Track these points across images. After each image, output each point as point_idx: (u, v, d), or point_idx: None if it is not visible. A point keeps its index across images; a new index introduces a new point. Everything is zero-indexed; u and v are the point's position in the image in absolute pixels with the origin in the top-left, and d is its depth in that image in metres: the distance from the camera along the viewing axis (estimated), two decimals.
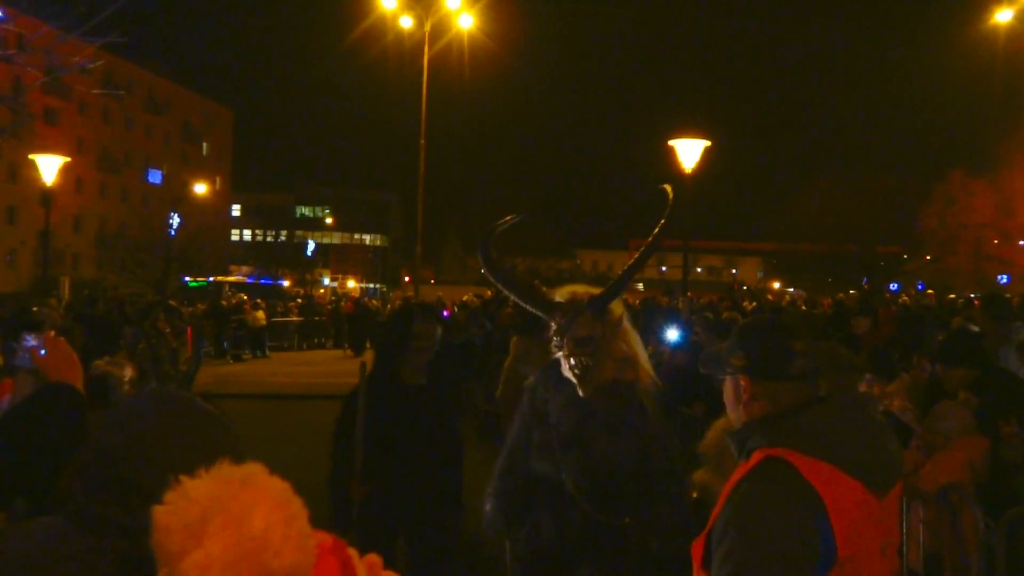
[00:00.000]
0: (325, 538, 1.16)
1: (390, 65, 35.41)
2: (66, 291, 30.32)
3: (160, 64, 64.42)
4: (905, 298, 22.74)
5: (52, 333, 2.55)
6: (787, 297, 36.09)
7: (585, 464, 3.04)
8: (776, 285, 57.30)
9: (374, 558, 1.27)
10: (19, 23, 9.00)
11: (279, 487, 1.12)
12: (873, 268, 42.54)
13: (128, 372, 5.48)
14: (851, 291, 35.24)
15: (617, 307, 3.24)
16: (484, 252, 3.63)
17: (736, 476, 1.94)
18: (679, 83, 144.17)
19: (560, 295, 3.32)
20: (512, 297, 3.54)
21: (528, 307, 3.35)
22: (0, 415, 2.96)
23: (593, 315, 3.15)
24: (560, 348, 3.20)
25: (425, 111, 28.42)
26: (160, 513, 1.04)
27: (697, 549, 1.96)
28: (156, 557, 1.04)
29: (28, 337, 2.72)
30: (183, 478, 1.07)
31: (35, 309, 13.78)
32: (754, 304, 22.37)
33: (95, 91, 9.09)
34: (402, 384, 4.16)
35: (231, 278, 43.91)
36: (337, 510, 4.07)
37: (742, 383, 2.09)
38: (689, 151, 15.72)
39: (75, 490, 2.34)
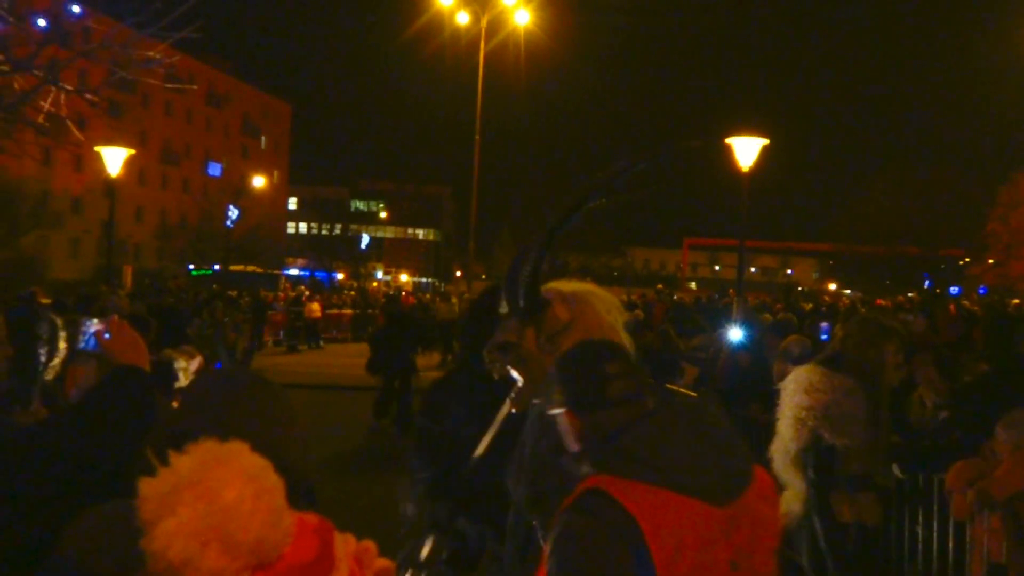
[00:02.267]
0: (311, 518, 1.19)
1: (446, 61, 35.57)
2: (128, 280, 31.02)
3: (220, 59, 65.59)
4: (966, 302, 22.23)
5: (116, 317, 2.58)
6: (844, 299, 35.54)
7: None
8: (832, 287, 56.42)
9: (369, 544, 1.29)
10: (94, 19, 9.28)
11: (256, 463, 1.17)
12: (934, 271, 41.65)
13: (196, 361, 5.61)
14: (910, 294, 34.54)
15: (563, 312, 2.76)
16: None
17: (559, 509, 1.91)
18: (737, 79, 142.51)
19: (589, 294, 2.93)
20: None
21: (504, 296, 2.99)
22: (76, 399, 3.00)
23: (519, 320, 2.78)
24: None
25: (480, 107, 28.52)
26: (142, 484, 1.10)
27: None
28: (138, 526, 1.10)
29: (89, 322, 2.75)
30: (171, 453, 1.11)
31: (104, 287, 14.16)
32: (810, 305, 22.08)
33: (168, 85, 9.29)
34: (491, 381, 3.41)
35: (235, 268, 43.23)
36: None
37: (568, 417, 2.02)
38: (747, 149, 15.54)
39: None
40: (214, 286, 27.43)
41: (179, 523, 1.06)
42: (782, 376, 6.48)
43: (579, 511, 1.85)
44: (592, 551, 1.79)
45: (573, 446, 2.03)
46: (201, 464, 1.12)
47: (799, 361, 5.47)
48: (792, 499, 4.32)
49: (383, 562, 1.28)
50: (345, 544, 1.22)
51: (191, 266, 43.13)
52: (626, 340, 2.76)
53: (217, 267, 42.22)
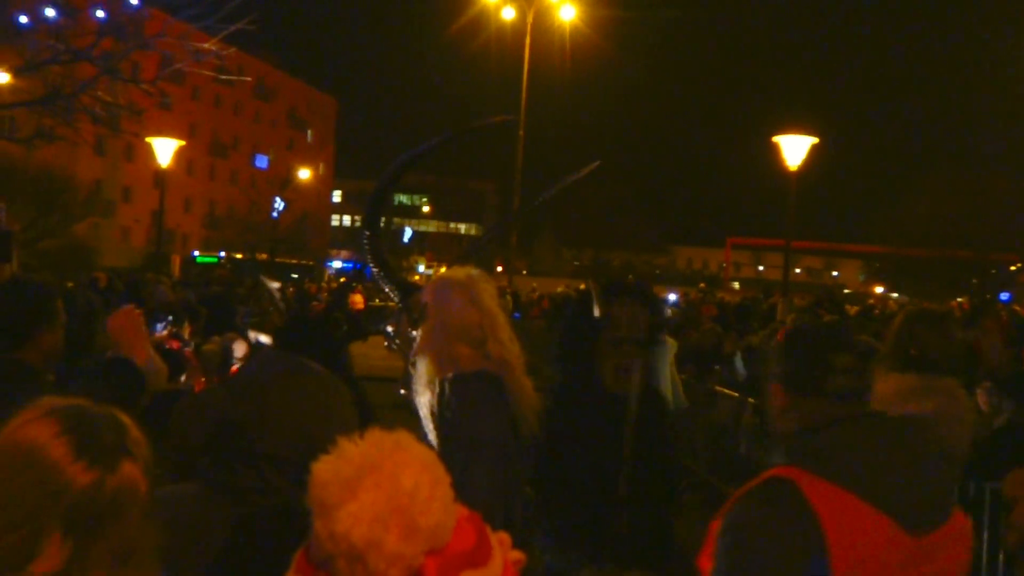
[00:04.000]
0: (461, 508, 1.22)
1: (491, 56, 35.58)
2: (176, 269, 31.53)
3: (268, 52, 66.31)
4: (1017, 307, 21.75)
5: (131, 307, 2.55)
6: (891, 303, 34.97)
7: None
8: (879, 289, 55.54)
9: (504, 536, 1.32)
10: (150, 11, 9.48)
11: (427, 452, 1.20)
12: (984, 276, 40.81)
13: (243, 349, 5.73)
14: (959, 299, 33.91)
15: (425, 297, 2.78)
16: (371, 207, 3.10)
17: (739, 491, 1.81)
18: (786, 77, 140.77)
19: (455, 276, 2.89)
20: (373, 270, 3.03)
21: (383, 286, 2.95)
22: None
23: (408, 312, 2.82)
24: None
25: (525, 102, 28.51)
26: (319, 470, 1.12)
27: (704, 563, 1.83)
28: (312, 510, 1.13)
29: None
30: (340, 440, 1.15)
31: (149, 276, 14.40)
32: (857, 308, 21.76)
33: (222, 76, 9.45)
34: (604, 394, 3.00)
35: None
36: None
37: (778, 392, 1.94)
38: (795, 148, 15.36)
39: (204, 464, 2.45)
40: (260, 276, 27.77)
41: (361, 507, 1.09)
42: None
43: (761, 500, 1.74)
44: (768, 545, 1.67)
45: (775, 424, 1.95)
46: (379, 450, 1.15)
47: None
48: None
49: (517, 553, 1.31)
50: (493, 533, 1.26)
51: (196, 252, 43.19)
52: (500, 326, 2.83)
53: (223, 254, 42.32)
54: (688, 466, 8.89)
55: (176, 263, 33.39)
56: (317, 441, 1.80)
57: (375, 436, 1.17)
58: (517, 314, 27.40)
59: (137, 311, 2.32)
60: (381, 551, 1.09)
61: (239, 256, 41.17)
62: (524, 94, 28.64)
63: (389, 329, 2.84)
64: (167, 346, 5.29)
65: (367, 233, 2.93)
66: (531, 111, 29.66)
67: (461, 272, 2.86)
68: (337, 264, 63.24)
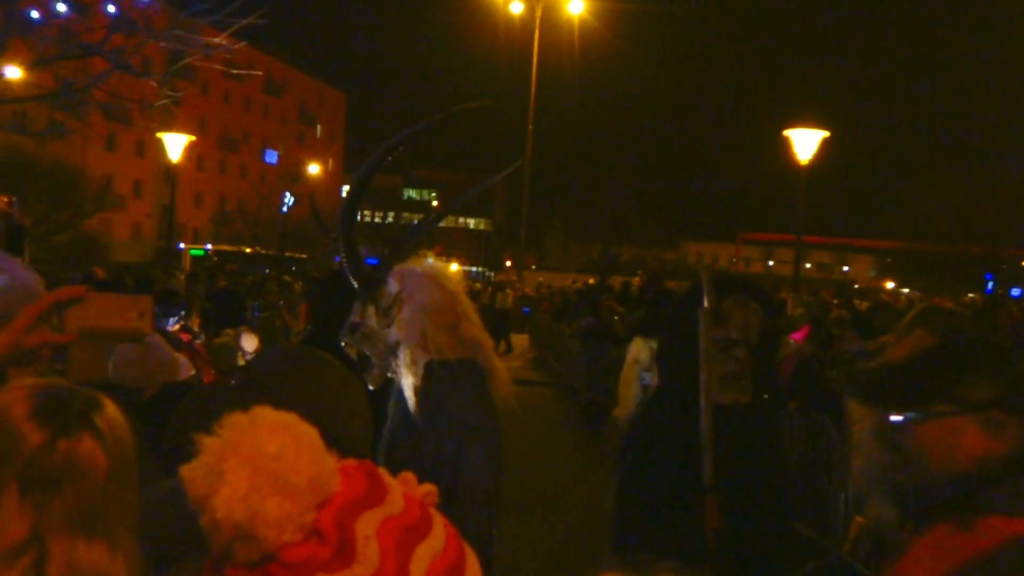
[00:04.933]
0: (349, 461, 1.24)
1: (501, 49, 35.57)
2: (187, 263, 31.66)
3: (278, 48, 66.40)
4: None
5: (84, 288, 2.49)
6: (902, 298, 34.85)
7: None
8: (890, 285, 55.32)
9: (408, 475, 1.33)
10: (160, 6, 9.52)
11: (284, 416, 1.21)
12: (995, 271, 40.60)
13: (253, 343, 5.75)
14: (970, 295, 33.75)
15: (394, 286, 2.77)
16: (352, 199, 3.00)
17: (962, 553, 1.38)
18: (797, 70, 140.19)
19: (419, 265, 2.89)
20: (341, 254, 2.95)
21: (348, 274, 2.90)
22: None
23: (360, 299, 2.80)
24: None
25: (534, 96, 28.50)
26: (185, 470, 1.13)
27: None
28: (195, 511, 1.14)
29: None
30: (198, 436, 1.16)
31: (160, 271, 14.49)
32: (866, 304, 21.70)
33: (233, 71, 9.50)
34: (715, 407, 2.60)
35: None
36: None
37: (969, 425, 1.47)
38: (805, 142, 15.30)
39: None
40: (267, 270, 27.85)
41: (233, 488, 1.10)
42: None
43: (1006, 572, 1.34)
44: None
45: (955, 464, 1.47)
46: (235, 431, 1.16)
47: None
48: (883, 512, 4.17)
49: (427, 486, 1.32)
50: (389, 475, 1.27)
51: (180, 245, 42.68)
52: (469, 308, 2.84)
53: (210, 247, 41.95)
54: None
55: (187, 257, 33.51)
56: (333, 433, 1.80)
57: (230, 420, 1.18)
58: (527, 309, 27.43)
59: (82, 289, 2.20)
60: (266, 520, 1.09)
61: (227, 248, 40.97)
62: (533, 88, 28.65)
63: (355, 320, 2.80)
64: (179, 338, 5.31)
65: (343, 221, 2.91)
66: (540, 105, 29.68)
67: (421, 260, 2.93)
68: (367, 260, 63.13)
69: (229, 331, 5.81)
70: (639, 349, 6.65)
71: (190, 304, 8.26)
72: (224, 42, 8.68)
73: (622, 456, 2.82)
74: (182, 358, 3.58)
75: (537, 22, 28.73)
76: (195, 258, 36.84)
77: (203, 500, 1.11)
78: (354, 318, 2.79)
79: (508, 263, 54.38)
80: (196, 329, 6.40)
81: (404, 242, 3.03)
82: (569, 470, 9.44)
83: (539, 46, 28.80)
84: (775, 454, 2.83)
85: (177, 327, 5.55)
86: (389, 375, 2.79)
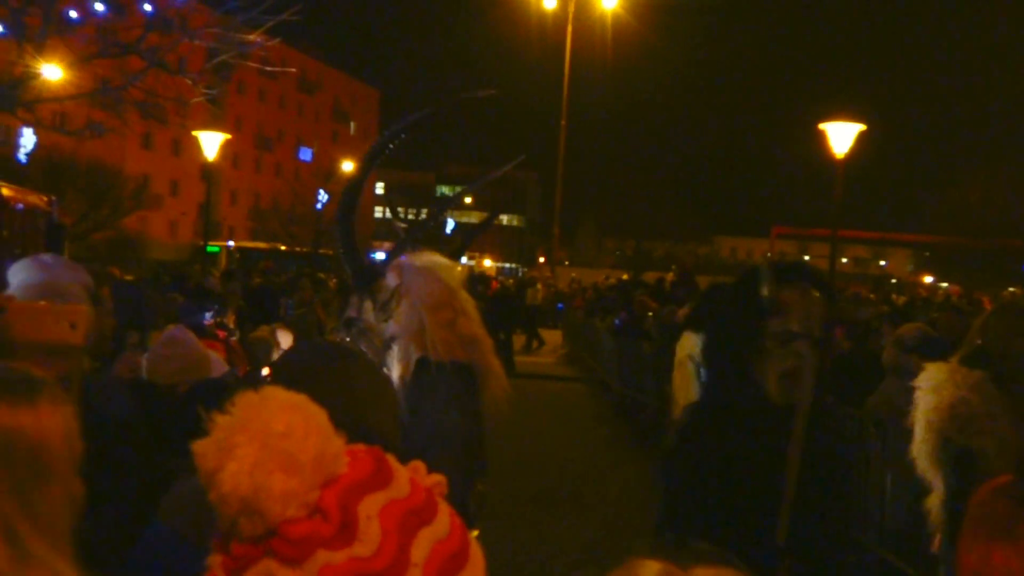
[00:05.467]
0: (360, 445, 1.27)
1: (533, 44, 35.54)
2: (223, 261, 32.00)
3: (311, 45, 66.84)
4: None
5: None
6: (940, 293, 34.35)
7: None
8: (928, 279, 54.53)
9: (418, 463, 1.35)
10: (196, 5, 9.64)
11: (294, 396, 1.23)
12: None
13: (288, 339, 5.79)
14: (1011, 288, 33.18)
15: (392, 281, 2.76)
16: (350, 191, 2.93)
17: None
18: (834, 62, 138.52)
19: (419, 260, 2.85)
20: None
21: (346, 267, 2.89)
22: None
23: (357, 293, 2.78)
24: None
25: (567, 92, 28.41)
26: (197, 444, 1.16)
27: None
28: (203, 485, 1.16)
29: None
30: (212, 414, 1.18)
31: (197, 268, 14.66)
32: (904, 299, 21.42)
33: (267, 68, 9.59)
34: (763, 407, 2.33)
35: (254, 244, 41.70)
36: None
37: None
38: (842, 135, 15.10)
39: None
40: (304, 268, 28.11)
41: (240, 463, 1.12)
42: (893, 364, 6.28)
43: None
44: None
45: None
46: (246, 408, 1.18)
47: (916, 351, 5.24)
48: (934, 503, 4.07)
49: (435, 476, 1.34)
50: (395, 461, 1.29)
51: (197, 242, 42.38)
52: (469, 304, 2.80)
53: (231, 243, 41.86)
54: None
55: (223, 255, 33.84)
56: (364, 426, 1.80)
57: (242, 398, 1.20)
58: (560, 304, 27.40)
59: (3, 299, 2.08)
60: (271, 494, 1.11)
61: (249, 245, 41.07)
62: (566, 83, 28.56)
63: (352, 315, 2.79)
64: (216, 334, 5.36)
65: (340, 214, 2.88)
66: (574, 100, 29.60)
67: (422, 255, 2.89)
68: (380, 256, 63.55)
69: (264, 327, 5.85)
70: (692, 345, 6.34)
71: (225, 301, 8.33)
72: (258, 39, 8.75)
73: (667, 468, 2.54)
74: (214, 355, 3.61)
75: (570, 16, 28.65)
76: (213, 255, 36.32)
77: (211, 474, 1.13)
78: (351, 312, 2.77)
79: (541, 259, 54.32)
80: (232, 326, 6.46)
81: (407, 238, 2.98)
82: (602, 465, 9.42)
83: (572, 41, 28.73)
84: (839, 462, 2.54)
85: (212, 322, 5.60)
86: (384, 370, 2.76)
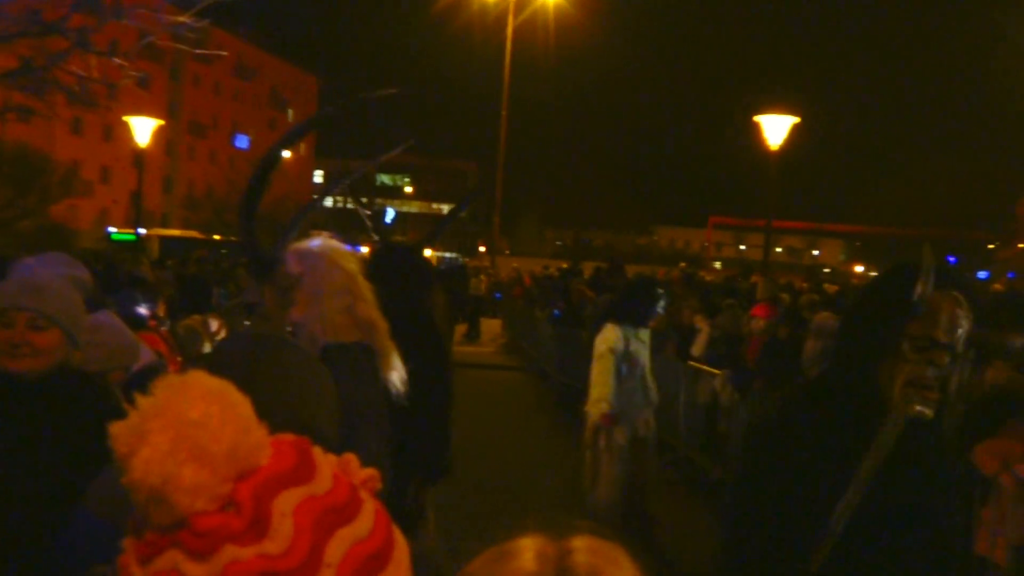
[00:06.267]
0: (287, 436, 1.23)
1: (474, 34, 35.38)
2: (155, 250, 31.32)
3: (248, 31, 65.70)
4: (998, 286, 21.97)
5: None
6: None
7: None
8: (859, 268, 55.99)
9: (351, 456, 1.33)
10: None
11: (217, 383, 1.19)
12: (962, 255, 41.23)
13: (221, 329, 5.68)
14: None
15: (293, 267, 2.78)
16: (253, 187, 2.92)
17: None
18: (768, 56, 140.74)
19: (316, 246, 2.89)
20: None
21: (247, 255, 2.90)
22: None
23: (256, 279, 2.83)
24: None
25: (508, 81, 28.40)
26: (113, 427, 1.13)
27: None
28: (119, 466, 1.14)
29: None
30: (136, 395, 1.15)
31: (127, 256, 14.30)
32: (836, 288, 21.90)
33: (198, 51, 9.31)
34: (879, 415, 2.07)
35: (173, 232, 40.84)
36: None
37: None
38: (776, 128, 15.38)
39: None
40: (240, 257, 27.62)
41: (153, 450, 1.09)
42: (813, 353, 6.44)
43: None
44: None
45: None
46: (165, 392, 1.15)
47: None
48: None
49: (367, 471, 1.31)
50: (325, 455, 1.26)
51: (112, 229, 41.40)
52: (367, 291, 2.84)
53: (143, 231, 40.82)
54: (670, 443, 8.93)
55: (155, 244, 33.14)
56: (302, 417, 1.75)
57: (164, 381, 1.18)
58: (498, 294, 27.42)
59: None
60: (180, 485, 1.09)
61: (175, 234, 40.25)
62: (507, 73, 28.54)
63: (252, 300, 2.82)
64: (147, 323, 5.23)
65: (245, 203, 2.89)
66: (514, 90, 29.58)
67: (317, 240, 2.93)
68: (339, 248, 62.91)
69: (196, 317, 5.73)
70: (614, 337, 6.29)
71: (156, 290, 8.15)
72: (189, 20, 8.53)
73: (747, 465, 2.19)
74: (141, 343, 3.53)
75: (511, 6, 28.61)
76: (121, 243, 33.92)
77: (124, 460, 1.10)
78: (251, 297, 2.82)
79: (482, 249, 54.33)
80: (161, 315, 6.32)
81: (296, 220, 3.00)
82: (540, 454, 9.45)
83: (514, 31, 28.69)
84: (948, 479, 2.28)
85: (143, 312, 5.47)
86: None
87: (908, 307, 2.02)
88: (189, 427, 1.11)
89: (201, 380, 1.19)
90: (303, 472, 1.18)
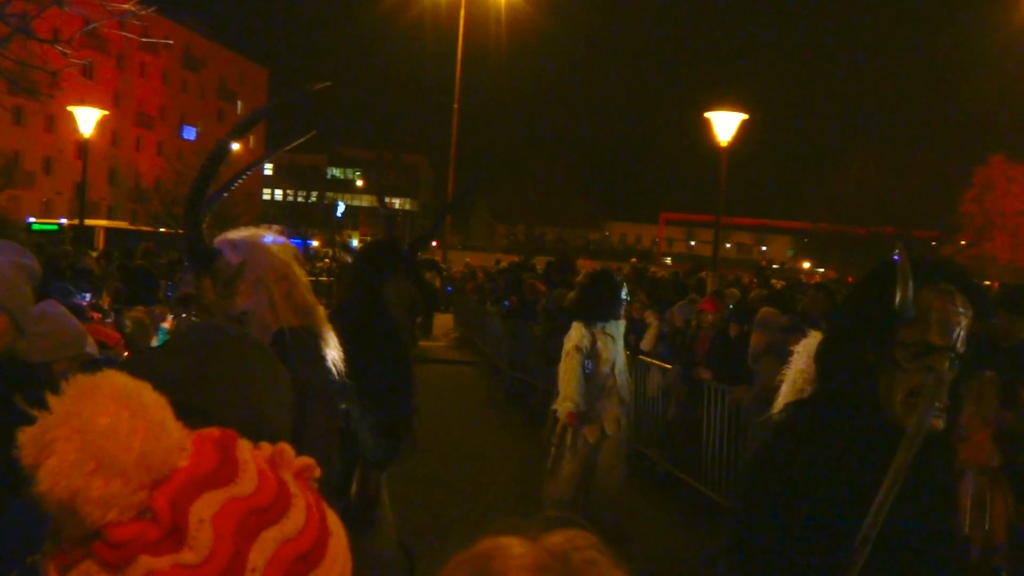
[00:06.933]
0: (211, 431, 1.17)
1: (427, 27, 35.23)
2: (100, 242, 30.69)
3: (197, 21, 64.59)
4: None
5: None
6: (817, 277, 35.86)
7: None
8: (806, 264, 56.90)
9: (284, 445, 1.28)
10: None
11: (128, 384, 1.14)
12: (908, 251, 42.14)
13: (168, 321, 5.61)
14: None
15: (233, 258, 2.81)
16: (197, 188, 2.90)
17: None
18: (717, 54, 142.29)
19: (249, 236, 2.94)
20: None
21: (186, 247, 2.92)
22: None
23: (194, 271, 2.85)
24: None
25: (460, 75, 28.33)
26: (20, 435, 1.07)
27: None
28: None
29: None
30: (48, 397, 1.12)
31: (69, 248, 14.03)
32: (783, 283, 22.26)
33: (144, 39, 9.12)
34: (884, 429, 1.96)
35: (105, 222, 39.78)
36: None
37: None
38: (725, 124, 15.56)
39: None
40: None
41: (60, 460, 1.03)
42: (758, 347, 6.53)
43: None
44: None
45: None
46: (73, 398, 1.08)
47: (788, 331, 5.45)
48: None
49: (303, 460, 1.26)
50: (255, 450, 1.21)
51: (31, 219, 40.48)
52: (302, 277, 2.92)
53: (64, 220, 39.78)
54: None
55: (100, 236, 32.47)
56: (256, 409, 1.74)
57: (72, 384, 1.11)
58: (449, 287, 27.37)
59: None
60: (88, 498, 1.04)
61: (114, 225, 39.37)
62: (459, 67, 28.46)
63: (189, 292, 2.83)
64: (90, 316, 5.14)
65: (190, 198, 2.90)
66: (466, 85, 29.51)
67: (249, 231, 2.99)
68: (268, 238, 62.23)
69: (140, 308, 5.65)
70: (580, 336, 6.28)
71: (102, 282, 8.01)
72: (133, 8, 8.37)
73: (756, 478, 2.08)
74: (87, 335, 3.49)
75: (463, 0, 28.52)
76: (40, 233, 31.76)
77: (31, 471, 1.04)
78: (188, 290, 2.81)
79: (434, 243, 54.13)
80: (106, 307, 6.22)
81: (210, 202, 3.00)
82: (492, 447, 9.48)
83: (466, 25, 28.61)
84: (953, 496, 2.11)
85: (87, 304, 5.38)
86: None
87: (894, 315, 1.84)
88: (96, 435, 1.06)
89: (112, 382, 1.13)
90: (225, 473, 1.13)
